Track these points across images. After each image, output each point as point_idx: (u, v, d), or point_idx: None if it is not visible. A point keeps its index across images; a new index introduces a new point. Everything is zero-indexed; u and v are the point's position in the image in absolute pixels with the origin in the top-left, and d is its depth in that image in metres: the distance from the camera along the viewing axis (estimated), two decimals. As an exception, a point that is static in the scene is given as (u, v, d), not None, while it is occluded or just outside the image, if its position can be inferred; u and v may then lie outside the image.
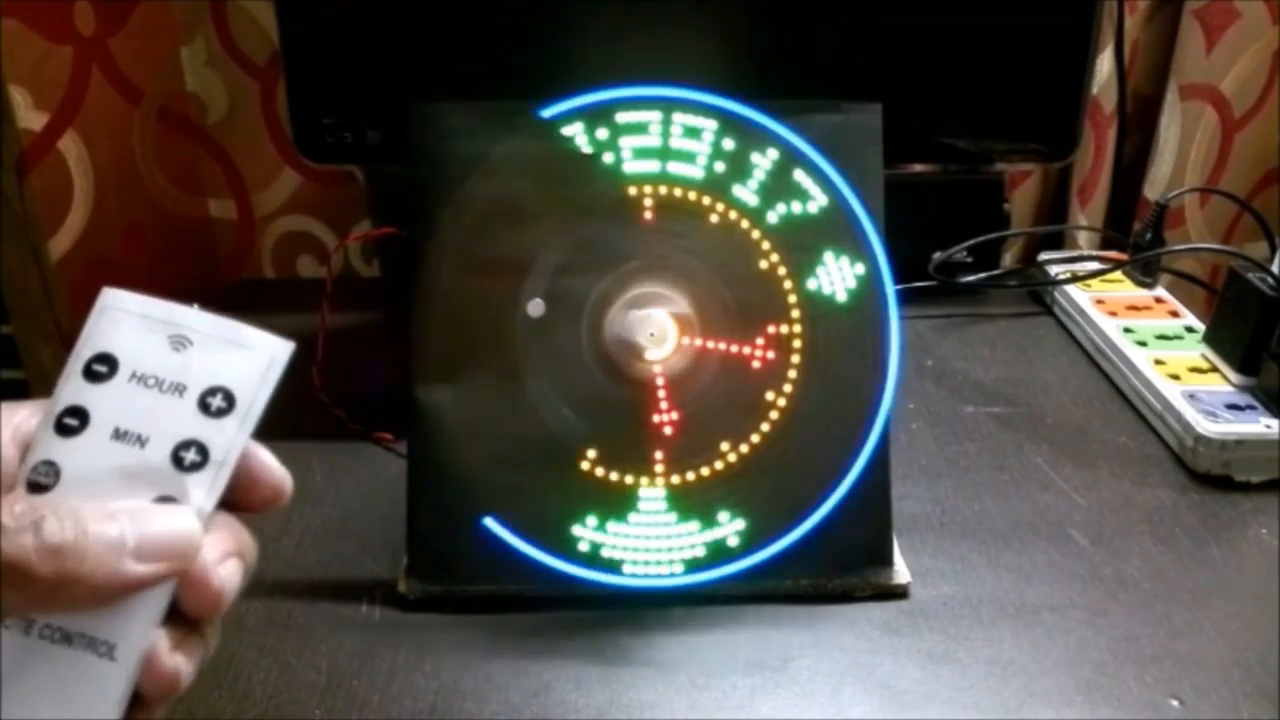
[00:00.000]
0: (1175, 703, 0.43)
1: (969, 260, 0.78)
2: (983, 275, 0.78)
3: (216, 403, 0.29)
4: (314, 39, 0.63)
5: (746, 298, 0.48)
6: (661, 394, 0.48)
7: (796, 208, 0.48)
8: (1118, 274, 0.76)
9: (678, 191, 0.48)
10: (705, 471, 0.48)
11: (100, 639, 0.27)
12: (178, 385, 0.29)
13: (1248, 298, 0.60)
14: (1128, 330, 0.69)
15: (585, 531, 0.48)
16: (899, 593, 0.49)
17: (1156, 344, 0.67)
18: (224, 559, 0.28)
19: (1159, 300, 0.74)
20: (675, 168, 0.48)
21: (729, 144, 0.48)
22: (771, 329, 0.48)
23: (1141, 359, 0.65)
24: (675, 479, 0.48)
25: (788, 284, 0.48)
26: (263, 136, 0.80)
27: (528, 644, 0.46)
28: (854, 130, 0.49)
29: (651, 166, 0.48)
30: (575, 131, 0.48)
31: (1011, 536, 0.53)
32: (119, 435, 0.28)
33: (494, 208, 0.48)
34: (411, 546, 0.49)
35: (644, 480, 0.48)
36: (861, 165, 0.49)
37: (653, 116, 0.48)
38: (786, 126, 0.48)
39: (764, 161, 0.48)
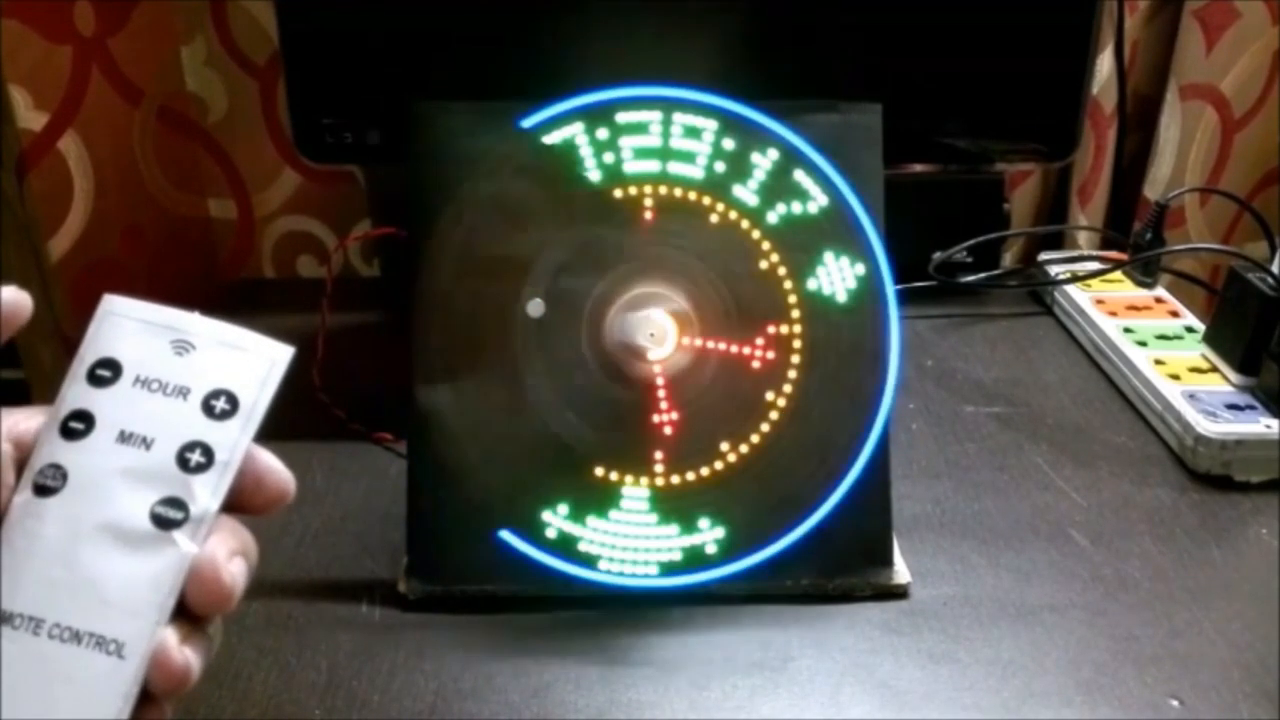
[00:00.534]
0: (1175, 703, 0.43)
1: (969, 260, 0.78)
2: (983, 275, 0.78)
3: (220, 405, 0.29)
4: (314, 39, 0.63)
5: (746, 298, 0.48)
6: (662, 394, 0.48)
7: (796, 208, 0.48)
8: (1118, 274, 0.76)
9: (678, 191, 0.48)
10: (705, 471, 0.48)
11: (109, 637, 0.27)
12: (181, 389, 0.29)
13: (1248, 298, 0.60)
14: (1128, 330, 0.69)
15: (587, 531, 0.48)
16: (899, 593, 0.49)
17: (1156, 344, 0.67)
18: (231, 557, 0.29)
19: (1159, 300, 0.74)
20: (675, 168, 0.48)
21: (729, 144, 0.48)
22: (771, 329, 0.48)
23: (1141, 359, 0.65)
24: (675, 479, 0.48)
25: (788, 284, 0.48)
26: (263, 136, 0.80)
27: (528, 644, 0.46)
28: (854, 130, 0.49)
29: (651, 166, 0.48)
30: (575, 132, 0.48)
31: (1011, 536, 0.53)
32: (124, 438, 0.29)
33: (494, 208, 0.48)
34: (411, 546, 0.49)
35: (644, 480, 0.48)
36: (861, 165, 0.49)
37: (653, 116, 0.48)
38: (786, 126, 0.48)
39: (764, 161, 0.48)
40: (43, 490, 0.28)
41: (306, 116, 0.65)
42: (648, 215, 0.48)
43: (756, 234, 0.48)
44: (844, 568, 0.49)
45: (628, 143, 0.48)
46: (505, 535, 0.48)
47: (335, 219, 0.83)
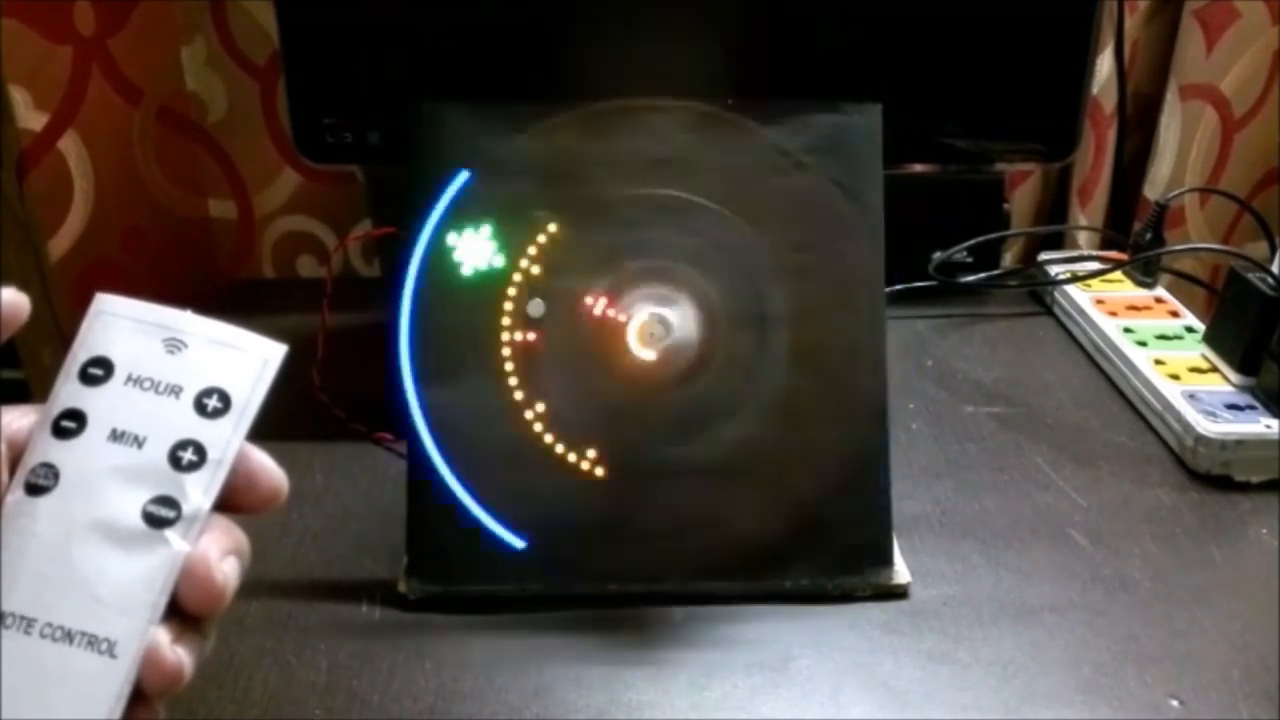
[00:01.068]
0: (1175, 703, 0.43)
1: (969, 260, 0.78)
2: (983, 275, 0.78)
3: (212, 403, 0.29)
4: (314, 39, 0.63)
5: (745, 297, 0.48)
6: (660, 394, 0.48)
7: (794, 208, 0.48)
8: (1118, 274, 0.76)
9: (677, 192, 0.48)
10: (705, 471, 0.48)
11: (101, 636, 0.27)
12: (173, 387, 0.29)
13: (1248, 298, 0.60)
14: (1128, 330, 0.69)
15: (586, 531, 0.48)
16: (899, 593, 0.49)
17: (1156, 344, 0.67)
18: (224, 556, 0.28)
19: (1159, 300, 0.74)
20: (674, 168, 0.48)
21: (727, 144, 0.48)
22: (771, 328, 0.48)
23: (1141, 359, 0.65)
24: (675, 479, 0.48)
25: (786, 283, 0.48)
26: (263, 136, 0.80)
27: (528, 644, 0.46)
28: (854, 130, 0.49)
29: (651, 167, 0.48)
30: (575, 132, 0.48)
31: (1011, 536, 0.53)
32: (116, 436, 0.29)
33: (495, 207, 0.48)
34: (411, 546, 0.49)
35: (644, 480, 0.48)
36: (861, 165, 0.49)
37: (653, 117, 0.48)
38: (786, 127, 0.48)
39: (763, 161, 0.48)
40: (34, 489, 0.28)
41: (306, 116, 0.65)
42: (647, 216, 0.48)
43: (754, 233, 0.48)
44: (844, 568, 0.49)
45: (627, 143, 0.48)
46: (505, 535, 0.48)
47: (335, 219, 0.83)
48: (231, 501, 0.29)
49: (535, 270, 0.48)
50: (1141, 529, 0.54)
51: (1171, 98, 0.81)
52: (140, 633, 0.27)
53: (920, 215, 0.66)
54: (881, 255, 0.49)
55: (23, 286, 0.29)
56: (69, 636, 0.27)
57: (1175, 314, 0.71)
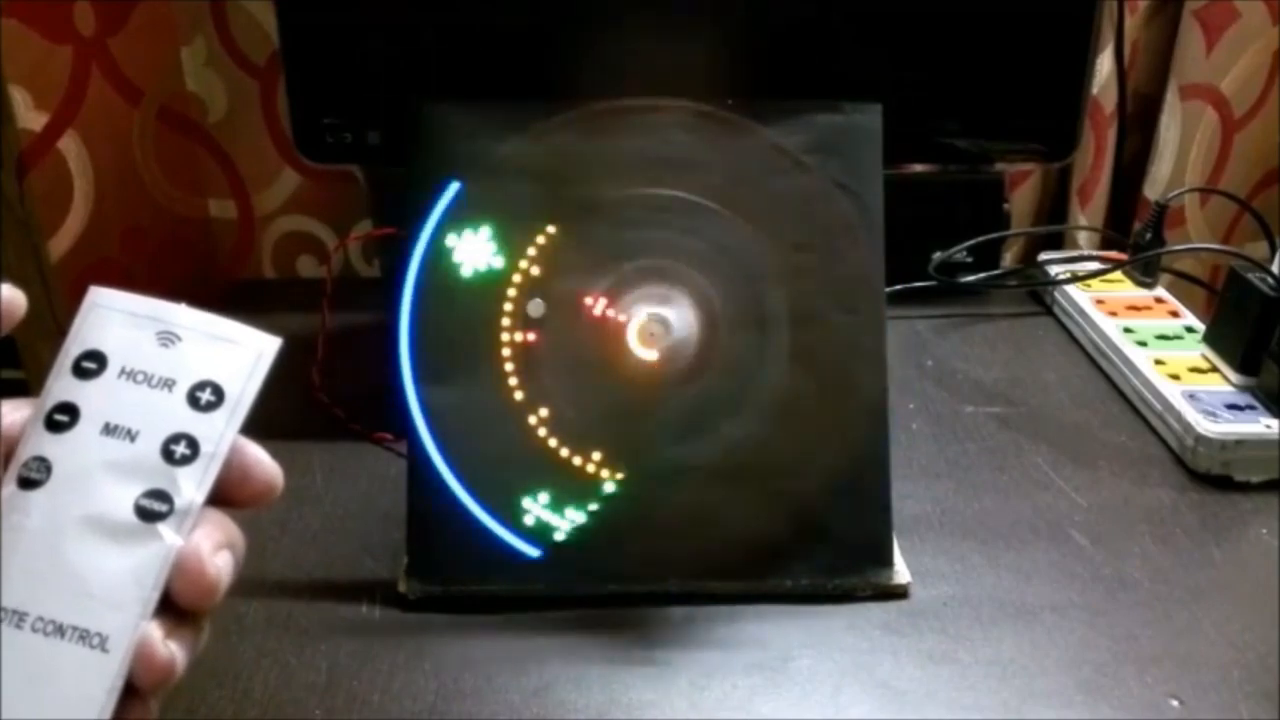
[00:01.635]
0: (1175, 703, 0.43)
1: (969, 260, 0.78)
2: (983, 275, 0.78)
3: (205, 397, 0.29)
4: (314, 39, 0.63)
5: (746, 297, 0.48)
6: (661, 394, 0.48)
7: (794, 208, 0.48)
8: (1118, 274, 0.76)
9: (677, 192, 0.48)
10: (705, 471, 0.48)
11: (93, 631, 0.27)
12: (166, 380, 0.29)
13: (1248, 298, 0.60)
14: (1128, 330, 0.69)
15: (586, 531, 0.48)
16: (899, 593, 0.49)
17: (1156, 344, 0.67)
18: (217, 550, 0.28)
19: (1159, 300, 0.74)
20: (674, 169, 0.48)
21: (727, 145, 0.48)
22: (771, 328, 0.48)
23: (1141, 359, 0.65)
24: (675, 479, 0.48)
25: (786, 283, 0.48)
26: (263, 136, 0.80)
27: (528, 644, 0.46)
28: (854, 130, 0.49)
29: (651, 167, 0.48)
30: (576, 132, 0.48)
31: (1011, 536, 0.53)
32: (109, 430, 0.28)
33: (494, 208, 0.48)
34: (411, 546, 0.49)
35: (644, 480, 0.48)
36: (861, 165, 0.49)
37: (653, 117, 0.48)
38: (786, 127, 0.48)
39: (763, 161, 0.48)
40: (27, 483, 0.28)
41: (306, 116, 0.65)
42: (647, 216, 0.48)
43: (756, 233, 0.48)
44: (844, 568, 0.49)
45: (627, 143, 0.48)
46: (506, 535, 0.48)
47: (335, 219, 0.83)
48: (225, 496, 0.29)
49: (535, 270, 0.48)
50: (1141, 529, 0.54)
51: (1171, 98, 0.81)
52: (132, 627, 0.27)
53: (920, 215, 0.66)
54: (881, 255, 0.49)
55: (23, 286, 0.29)
56: (61, 631, 0.27)
57: (1175, 314, 0.71)
